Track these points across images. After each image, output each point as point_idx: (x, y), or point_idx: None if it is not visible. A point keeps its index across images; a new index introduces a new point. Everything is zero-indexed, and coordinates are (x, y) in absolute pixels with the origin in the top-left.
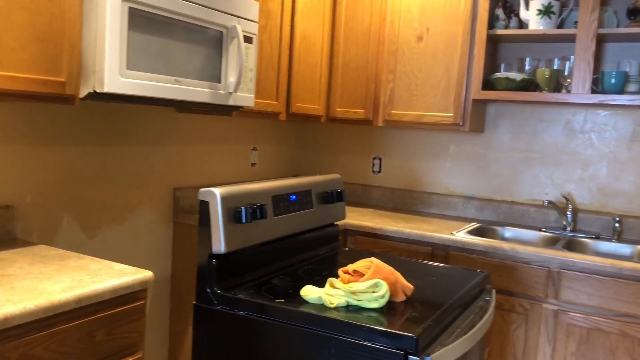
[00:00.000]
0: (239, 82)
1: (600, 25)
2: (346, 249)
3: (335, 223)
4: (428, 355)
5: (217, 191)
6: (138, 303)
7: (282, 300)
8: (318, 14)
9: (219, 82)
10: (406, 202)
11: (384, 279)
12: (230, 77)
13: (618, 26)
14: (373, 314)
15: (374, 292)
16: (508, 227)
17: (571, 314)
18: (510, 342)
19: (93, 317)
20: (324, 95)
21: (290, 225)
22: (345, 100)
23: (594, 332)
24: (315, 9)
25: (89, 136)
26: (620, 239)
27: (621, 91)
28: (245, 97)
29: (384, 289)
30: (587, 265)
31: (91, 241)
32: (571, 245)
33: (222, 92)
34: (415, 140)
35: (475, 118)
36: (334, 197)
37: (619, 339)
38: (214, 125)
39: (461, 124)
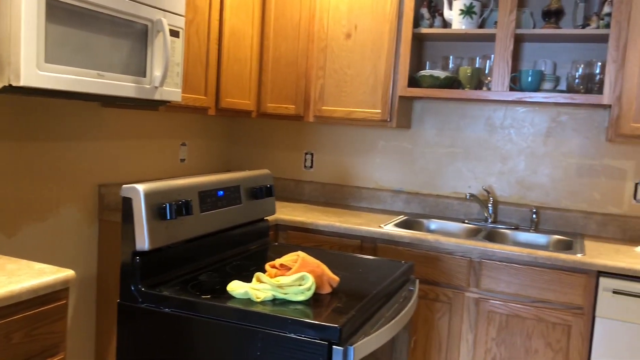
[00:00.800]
0: (164, 76)
1: (518, 25)
2: (276, 244)
3: (265, 218)
4: (351, 344)
5: (140, 187)
6: (59, 303)
7: (208, 296)
8: (247, 9)
9: (144, 76)
10: (337, 196)
11: (310, 272)
12: (156, 71)
13: (534, 27)
14: (299, 307)
15: (300, 285)
16: (433, 220)
17: (491, 301)
18: (436, 330)
19: (10, 318)
20: (254, 91)
21: (218, 221)
22: (276, 95)
23: (512, 318)
24: (245, 4)
25: (6, 131)
26: (537, 230)
27: (537, 89)
28: (172, 92)
29: (309, 282)
30: (505, 254)
31: (10, 241)
32: (492, 236)
33: (148, 86)
34: (346, 136)
35: (402, 114)
36: (263, 192)
37: (535, 323)
38: (141, 120)
39: (389, 120)
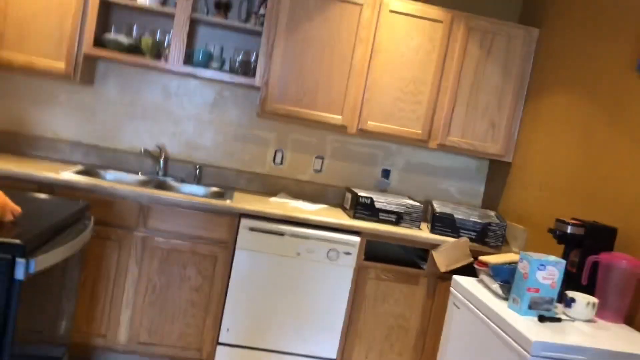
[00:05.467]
0: None
1: (194, 10)
2: None
3: None
4: (33, 258)
5: None
6: None
7: None
8: None
9: None
10: (12, 144)
11: None
12: None
13: (208, 14)
14: None
15: None
16: (110, 171)
17: (156, 239)
18: (105, 267)
19: None
20: None
21: None
22: None
23: (173, 252)
24: None
25: None
26: (200, 182)
27: (207, 66)
28: None
29: None
30: (171, 200)
31: None
32: (162, 186)
33: None
34: (27, 84)
35: (86, 71)
36: None
37: (190, 256)
38: None
39: (72, 75)
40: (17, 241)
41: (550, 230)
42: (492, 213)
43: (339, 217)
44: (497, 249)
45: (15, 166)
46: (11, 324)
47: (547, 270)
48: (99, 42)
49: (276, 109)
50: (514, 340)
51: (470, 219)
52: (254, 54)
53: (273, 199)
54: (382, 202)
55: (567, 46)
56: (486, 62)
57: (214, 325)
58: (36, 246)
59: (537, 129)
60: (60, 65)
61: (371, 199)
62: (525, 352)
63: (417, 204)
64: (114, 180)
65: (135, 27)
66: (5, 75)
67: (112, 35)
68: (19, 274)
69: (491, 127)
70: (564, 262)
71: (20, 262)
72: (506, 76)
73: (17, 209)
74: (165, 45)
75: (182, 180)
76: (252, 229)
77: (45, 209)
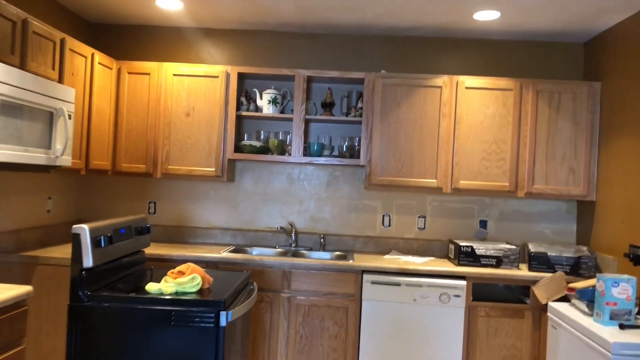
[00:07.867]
0: (65, 149)
1: (307, 112)
2: (152, 267)
3: (142, 250)
4: (229, 310)
5: (86, 226)
6: (21, 309)
7: (134, 294)
8: (106, 92)
9: (50, 148)
10: (177, 235)
11: (197, 273)
12: (58, 145)
13: (316, 114)
14: (194, 295)
15: (192, 282)
16: (255, 247)
17: (298, 297)
18: (261, 323)
19: None
20: (110, 154)
21: (123, 249)
22: (129, 158)
23: (312, 307)
24: (104, 88)
25: None
26: (324, 249)
27: (320, 155)
28: (66, 159)
29: (199, 280)
30: (306, 265)
31: None
32: (296, 255)
33: (52, 156)
34: (184, 187)
35: (229, 171)
36: (145, 230)
37: (326, 309)
38: (10, 179)
39: (221, 175)
40: (221, 298)
41: (626, 255)
42: (585, 248)
43: (446, 266)
44: (590, 279)
45: (185, 252)
46: (221, 357)
47: (620, 287)
48: (237, 148)
49: (380, 181)
50: (598, 344)
51: (563, 254)
52: (357, 139)
53: (387, 257)
54: (482, 249)
55: (628, 94)
56: (557, 118)
57: None
58: (230, 303)
59: (614, 169)
60: (211, 170)
61: (471, 247)
62: (607, 352)
63: (514, 247)
64: (258, 254)
65: (262, 132)
66: (170, 182)
67: (246, 142)
68: (223, 321)
69: (571, 173)
70: (635, 278)
71: (223, 313)
72: (577, 127)
73: (211, 279)
74: (288, 142)
75: (311, 249)
76: (373, 282)
77: (222, 279)
